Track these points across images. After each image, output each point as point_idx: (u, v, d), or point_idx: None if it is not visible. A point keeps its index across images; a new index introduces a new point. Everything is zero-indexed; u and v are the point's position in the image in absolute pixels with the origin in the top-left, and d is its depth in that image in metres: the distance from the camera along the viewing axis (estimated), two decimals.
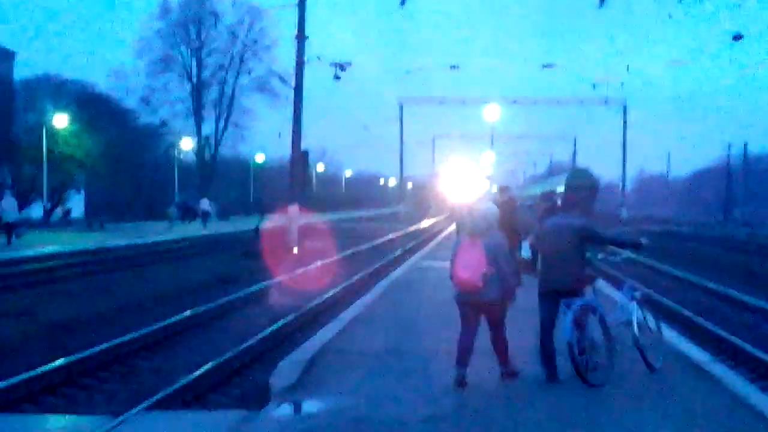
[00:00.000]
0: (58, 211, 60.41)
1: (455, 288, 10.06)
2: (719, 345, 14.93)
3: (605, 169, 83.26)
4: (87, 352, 12.91)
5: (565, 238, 10.19)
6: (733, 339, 15.33)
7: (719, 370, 10.72)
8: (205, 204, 64.11)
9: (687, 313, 18.50)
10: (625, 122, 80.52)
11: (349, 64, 45.16)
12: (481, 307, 9.99)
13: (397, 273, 23.74)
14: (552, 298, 10.12)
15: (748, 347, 14.48)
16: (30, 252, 32.81)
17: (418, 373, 10.15)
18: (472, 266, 9.61)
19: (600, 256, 16.75)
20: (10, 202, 39.06)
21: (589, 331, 9.95)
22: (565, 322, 9.80)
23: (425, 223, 64.47)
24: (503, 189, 24.60)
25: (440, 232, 46.19)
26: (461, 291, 9.94)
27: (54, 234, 44.75)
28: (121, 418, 8.48)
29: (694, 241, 53.33)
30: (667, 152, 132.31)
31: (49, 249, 34.13)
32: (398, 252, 36.27)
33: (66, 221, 59.96)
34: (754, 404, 8.81)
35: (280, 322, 15.79)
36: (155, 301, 20.40)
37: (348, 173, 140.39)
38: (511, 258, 10.32)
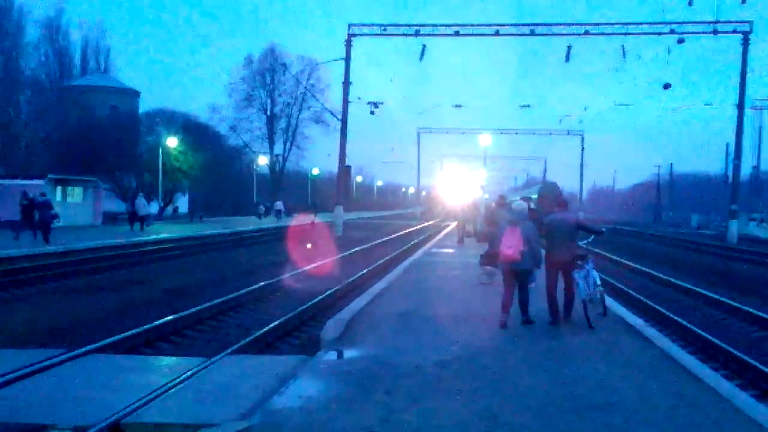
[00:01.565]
0: (169, 209, 60.79)
1: (501, 260, 11.01)
2: (651, 314, 14.99)
3: (567, 182, 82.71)
4: (189, 311, 13.07)
5: (568, 227, 11.26)
6: (661, 309, 15.37)
7: (651, 332, 10.78)
8: (279, 205, 66.01)
9: (627, 290, 18.47)
10: (582, 148, 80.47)
11: (381, 103, 46.09)
12: (518, 274, 10.87)
13: (413, 257, 23.67)
14: (556, 269, 11.16)
15: (672, 315, 14.53)
16: (153, 237, 33.07)
17: (429, 330, 10.24)
18: (514, 245, 10.61)
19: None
20: (142, 201, 39.82)
21: (590, 292, 11.01)
22: (580, 286, 11.05)
23: (434, 222, 64.06)
24: (501, 198, 24.53)
25: (445, 228, 45.93)
26: (505, 262, 10.83)
27: (167, 225, 45.00)
28: (214, 359, 8.61)
29: (632, 237, 53.01)
30: (614, 170, 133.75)
31: (164, 235, 34.34)
32: (414, 242, 36.20)
33: (175, 216, 60.42)
34: (674, 356, 8.93)
35: (325, 293, 15.85)
36: (240, 274, 20.55)
37: (379, 183, 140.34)
38: (536, 241, 10.98)
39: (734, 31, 39.86)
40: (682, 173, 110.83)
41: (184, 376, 7.62)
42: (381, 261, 24.71)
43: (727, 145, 61.81)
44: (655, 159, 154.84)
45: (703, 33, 39.05)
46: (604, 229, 12.71)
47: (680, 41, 38.59)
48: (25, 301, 15.68)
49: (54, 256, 23.68)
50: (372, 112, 46.19)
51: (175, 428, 5.89)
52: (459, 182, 56.83)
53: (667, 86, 41.90)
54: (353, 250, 29.33)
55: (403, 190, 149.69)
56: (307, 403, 6.51)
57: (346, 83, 42.72)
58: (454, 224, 42.92)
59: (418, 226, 56.49)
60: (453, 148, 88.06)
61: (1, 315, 13.85)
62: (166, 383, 7.28)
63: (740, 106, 42.65)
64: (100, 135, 58.73)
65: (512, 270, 10.90)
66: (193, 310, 13.24)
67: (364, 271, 21.16)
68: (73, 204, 42.98)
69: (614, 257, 29.14)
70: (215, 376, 7.73)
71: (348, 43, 41.82)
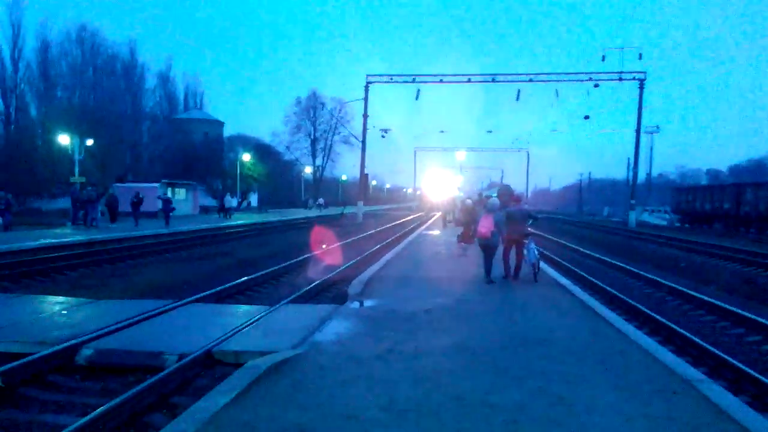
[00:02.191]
0: (244, 203, 60.92)
1: (477, 236, 11.28)
2: (575, 276, 14.90)
3: (517, 185, 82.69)
4: (256, 274, 13.10)
5: (521, 215, 11.66)
6: (581, 272, 15.29)
7: (575, 288, 10.75)
8: (321, 200, 65.70)
9: (557, 258, 18.41)
10: (528, 162, 79.80)
11: (389, 129, 46.35)
12: (489, 247, 10.99)
13: (410, 237, 23.66)
14: (510, 243, 11.45)
15: (589, 277, 14.46)
16: (234, 223, 33.15)
17: (421, 287, 10.23)
18: (486, 227, 10.82)
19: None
20: (228, 198, 40.62)
21: (534, 257, 11.47)
22: (531, 253, 11.49)
23: (423, 213, 63.89)
24: (479, 196, 24.50)
25: (432, 217, 45.84)
26: (481, 238, 11.04)
27: (243, 214, 44.96)
28: (274, 307, 8.64)
29: (561, 223, 52.75)
30: (549, 176, 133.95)
31: (241, 222, 34.43)
32: (412, 226, 36.14)
33: (249, 208, 60.45)
34: (591, 305, 8.87)
35: (351, 261, 15.86)
36: (293, 248, 20.54)
37: (388, 185, 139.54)
38: (503, 225, 11.12)
39: (633, 78, 39.73)
40: (598, 178, 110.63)
41: (254, 318, 7.66)
42: (389, 239, 24.70)
43: (629, 159, 61.62)
44: (579, 168, 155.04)
45: (611, 80, 38.96)
46: (539, 217, 13.72)
47: (596, 86, 38.56)
48: (147, 267, 15.77)
49: (167, 236, 23.80)
50: (383, 136, 46.72)
51: (249, 354, 5.92)
52: (441, 185, 56.87)
53: (586, 117, 42.47)
54: (369, 232, 29.31)
55: (405, 190, 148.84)
56: (339, 337, 6.54)
57: (365, 116, 42.87)
58: (438, 215, 42.94)
59: (413, 216, 56.44)
60: (438, 160, 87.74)
61: (130, 276, 13.96)
62: (242, 323, 7.32)
63: (637, 131, 42.61)
64: (197, 153, 59.09)
65: (484, 244, 11.05)
66: (260, 273, 13.27)
67: (377, 246, 21.16)
68: (179, 200, 43.16)
69: (548, 236, 29.04)
70: (276, 319, 7.76)
71: (366, 88, 42.01)
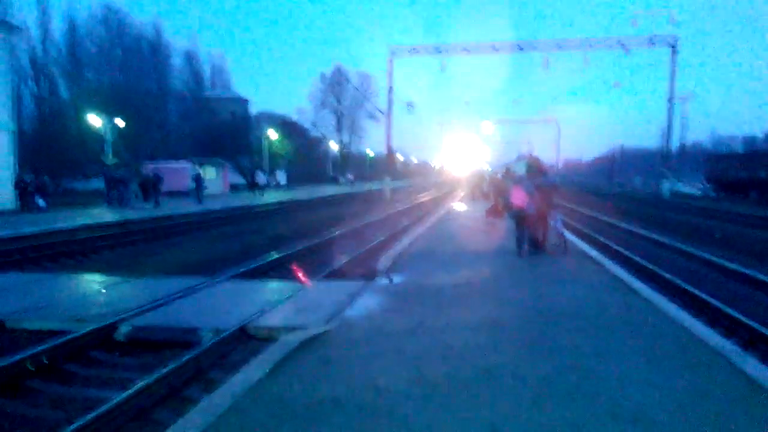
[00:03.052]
0: (272, 181, 61.41)
1: (513, 209, 11.10)
2: (605, 248, 14.73)
3: (547, 157, 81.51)
4: (288, 251, 13.26)
5: (549, 186, 11.56)
6: (612, 244, 15.13)
7: (606, 261, 10.64)
8: (349, 176, 65.85)
9: (586, 230, 18.22)
10: (558, 133, 78.96)
11: (414, 103, 46.13)
12: (525, 218, 10.90)
13: (438, 212, 23.62)
14: (538, 214, 11.16)
15: (620, 249, 14.30)
16: (263, 201, 33.49)
17: (449, 262, 10.25)
18: (520, 197, 10.86)
19: None
20: (260, 175, 42.19)
21: (560, 227, 11.57)
22: (557, 224, 11.59)
23: (449, 189, 63.54)
24: (507, 169, 24.25)
25: (460, 191, 45.60)
26: (516, 209, 10.99)
27: (272, 192, 45.31)
28: (306, 283, 8.76)
29: (592, 194, 52.02)
30: (580, 147, 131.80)
31: (271, 200, 34.76)
32: (439, 201, 36.02)
33: (277, 186, 60.88)
34: (622, 278, 8.79)
35: (380, 237, 15.92)
36: (322, 224, 20.60)
37: (414, 160, 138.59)
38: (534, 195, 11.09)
39: (665, 43, 38.73)
40: (630, 148, 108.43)
41: (286, 295, 7.79)
42: (417, 214, 24.71)
43: (662, 127, 60.22)
44: (610, 138, 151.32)
45: (642, 45, 38.00)
46: (557, 183, 13.67)
47: (626, 51, 37.67)
48: (181, 245, 16.07)
49: (200, 214, 24.17)
50: (408, 110, 46.44)
51: (281, 330, 6.04)
52: (467, 159, 56.47)
53: (616, 84, 41.63)
54: (397, 208, 29.34)
55: (431, 164, 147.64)
56: (369, 312, 6.62)
57: (390, 90, 42.61)
58: (463, 191, 42.74)
59: (438, 192, 56.19)
60: (465, 134, 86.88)
61: (165, 254, 14.26)
62: (276, 299, 7.45)
63: (670, 98, 41.55)
64: (224, 131, 59.52)
65: (520, 216, 10.99)
66: (292, 251, 13.42)
67: (405, 221, 21.19)
68: (209, 179, 43.69)
69: (578, 208, 28.67)
70: (307, 295, 7.88)
71: (390, 61, 41.66)
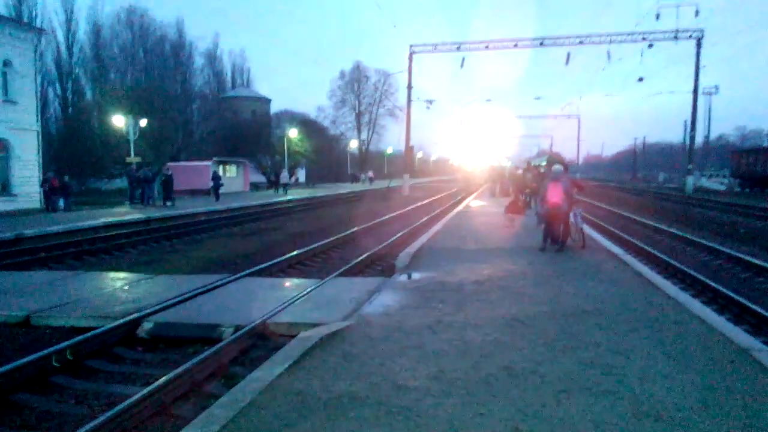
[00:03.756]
0: (292, 179, 61.83)
1: (547, 206, 10.99)
2: (628, 244, 14.54)
3: (568, 153, 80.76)
4: (307, 248, 13.29)
5: (569, 185, 11.42)
6: (634, 241, 14.92)
7: (628, 258, 10.54)
8: (369, 173, 65.80)
9: (609, 227, 18.00)
10: (579, 127, 78.37)
11: (434, 100, 46.01)
12: (559, 215, 10.92)
13: (457, 209, 23.51)
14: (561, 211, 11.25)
15: (642, 245, 14.11)
16: (284, 198, 33.65)
17: (468, 259, 10.20)
18: (556, 195, 10.79)
19: None
20: (284, 173, 42.90)
21: (579, 223, 11.55)
22: (577, 220, 11.56)
23: (466, 185, 63.33)
24: (528, 164, 24.01)
25: (479, 187, 45.36)
26: (550, 207, 10.91)
27: (293, 190, 45.43)
28: (324, 280, 8.79)
29: (615, 190, 51.42)
30: (602, 142, 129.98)
31: (291, 197, 34.94)
32: (458, 198, 35.88)
33: (297, 184, 61.19)
34: (645, 275, 8.68)
35: (398, 234, 15.89)
36: (341, 222, 20.63)
37: (434, 157, 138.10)
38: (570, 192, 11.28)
39: (690, 37, 38.14)
40: (653, 143, 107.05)
41: (305, 291, 7.81)
42: (435, 211, 24.64)
43: (686, 122, 59.27)
44: (633, 133, 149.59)
45: (666, 39, 37.37)
46: (583, 185, 14.11)
47: (650, 46, 37.16)
48: (202, 243, 16.24)
49: (220, 212, 24.40)
50: (428, 107, 46.24)
51: (301, 326, 6.06)
52: (487, 156, 56.08)
53: (641, 79, 40.71)
54: (416, 205, 29.30)
55: (450, 162, 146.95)
56: (387, 309, 6.61)
57: (409, 87, 42.57)
58: (480, 188, 42.50)
59: (456, 189, 55.99)
60: (485, 130, 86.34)
61: (186, 252, 14.41)
62: (295, 296, 7.48)
63: (695, 93, 41.01)
64: (245, 130, 59.95)
65: (553, 213, 10.96)
66: (311, 247, 13.44)
67: (424, 218, 21.14)
68: (230, 177, 44.10)
69: (601, 204, 28.35)
70: (326, 292, 7.89)
71: (410, 58, 41.53)
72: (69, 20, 55.10)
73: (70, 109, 53.94)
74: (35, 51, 28.31)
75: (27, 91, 27.35)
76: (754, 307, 8.00)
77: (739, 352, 4.96)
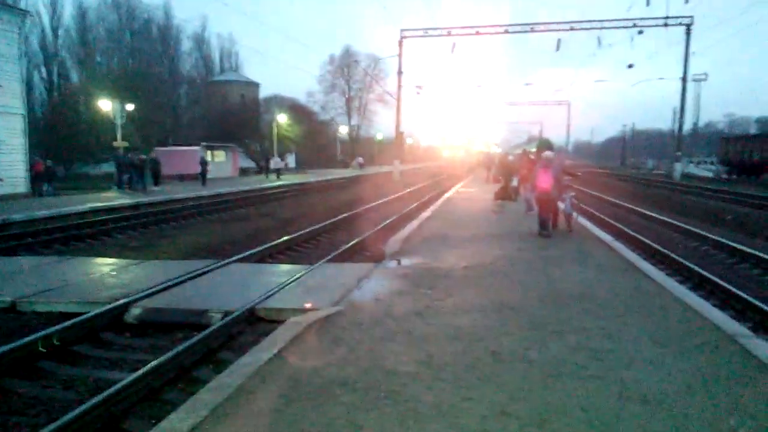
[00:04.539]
0: (283, 164, 61.54)
1: (539, 193, 11.10)
2: (616, 231, 14.61)
3: (558, 138, 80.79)
4: (297, 234, 13.24)
5: (560, 170, 11.56)
6: (623, 227, 15.00)
7: (617, 244, 10.56)
8: (360, 159, 65.64)
9: (598, 214, 18.09)
10: (569, 113, 78.22)
11: (423, 86, 45.78)
12: (548, 200, 10.99)
13: (447, 195, 23.52)
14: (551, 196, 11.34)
15: (630, 231, 14.19)
16: (273, 184, 33.48)
17: (458, 245, 10.20)
18: (546, 180, 10.84)
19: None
20: (276, 159, 42.91)
21: (568, 209, 11.67)
22: (566, 205, 11.73)
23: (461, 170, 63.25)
24: (523, 150, 23.88)
25: (470, 173, 45.34)
26: (540, 192, 11.00)
27: (282, 175, 45.32)
28: (314, 266, 8.77)
29: (603, 176, 51.61)
30: (591, 129, 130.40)
31: (281, 183, 34.76)
32: (448, 184, 35.80)
33: (287, 169, 60.89)
34: (633, 261, 8.72)
35: (388, 220, 15.87)
36: (331, 208, 20.56)
37: (424, 143, 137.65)
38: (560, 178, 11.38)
39: (680, 24, 38.12)
40: (642, 129, 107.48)
41: (294, 277, 7.80)
42: (425, 197, 24.63)
43: (674, 109, 59.55)
44: (622, 120, 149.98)
45: (656, 26, 37.34)
46: (579, 174, 13.99)
47: (640, 32, 37.04)
48: (190, 228, 16.16)
49: (209, 197, 24.25)
50: (418, 93, 46.22)
51: (290, 311, 6.05)
52: (476, 141, 56.02)
53: (631, 66, 40.82)
54: (407, 191, 29.27)
55: (440, 148, 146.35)
56: (376, 295, 6.61)
57: (400, 72, 42.40)
58: (470, 174, 42.44)
59: (446, 175, 55.96)
60: (475, 116, 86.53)
61: (174, 237, 14.33)
62: (284, 282, 7.46)
63: (684, 80, 41.05)
64: (234, 115, 59.40)
65: (544, 198, 11.01)
66: (300, 233, 13.41)
67: (414, 204, 21.12)
68: (219, 162, 43.75)
69: (589, 191, 28.46)
70: (315, 277, 7.88)
71: (400, 43, 41.31)
72: (54, 3, 54.29)
73: (55, 93, 53.23)
74: (20, 34, 27.80)
75: (11, 74, 26.87)
76: (739, 292, 8.09)
77: (724, 338, 5.02)
